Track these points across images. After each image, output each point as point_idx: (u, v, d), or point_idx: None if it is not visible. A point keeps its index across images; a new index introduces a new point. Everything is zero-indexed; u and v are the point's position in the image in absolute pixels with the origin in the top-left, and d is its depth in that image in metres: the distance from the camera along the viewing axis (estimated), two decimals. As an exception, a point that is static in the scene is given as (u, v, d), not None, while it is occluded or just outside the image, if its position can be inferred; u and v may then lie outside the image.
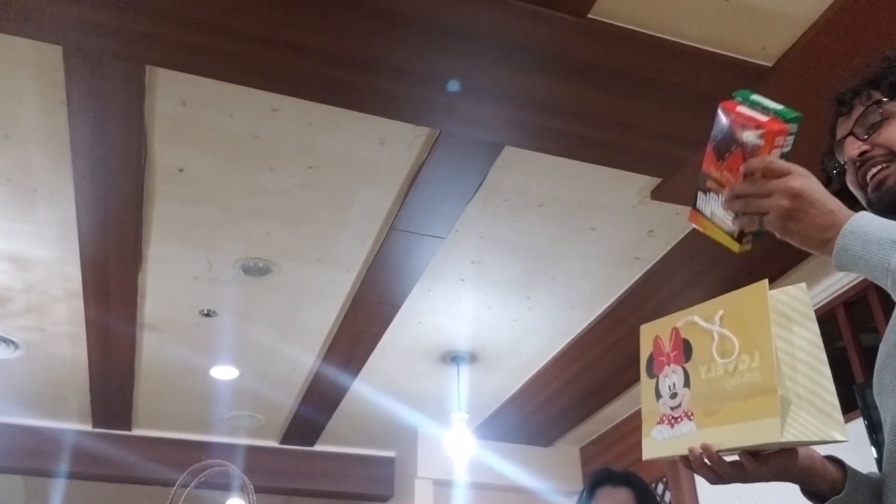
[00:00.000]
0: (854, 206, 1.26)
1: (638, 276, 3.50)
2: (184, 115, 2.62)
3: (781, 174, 1.01)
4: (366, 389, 4.55)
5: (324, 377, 4.35)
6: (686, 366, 1.05)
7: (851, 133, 1.24)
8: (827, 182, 1.33)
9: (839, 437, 0.97)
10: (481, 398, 4.69)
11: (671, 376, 1.07)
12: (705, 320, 1.04)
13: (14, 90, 2.51)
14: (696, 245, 3.20)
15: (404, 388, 4.61)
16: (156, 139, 2.72)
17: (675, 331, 1.08)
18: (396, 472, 5.49)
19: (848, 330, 3.30)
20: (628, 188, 2.96)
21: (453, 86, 2.37)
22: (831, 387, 0.99)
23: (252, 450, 5.25)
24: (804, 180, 1.01)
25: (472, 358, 4.26)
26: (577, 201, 3.04)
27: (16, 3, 2.08)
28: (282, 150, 2.78)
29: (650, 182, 2.90)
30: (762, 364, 0.96)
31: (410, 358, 4.27)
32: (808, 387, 0.98)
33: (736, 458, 1.03)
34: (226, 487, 4.47)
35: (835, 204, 1.01)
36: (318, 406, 4.75)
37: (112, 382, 4.42)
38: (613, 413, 4.79)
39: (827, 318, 3.34)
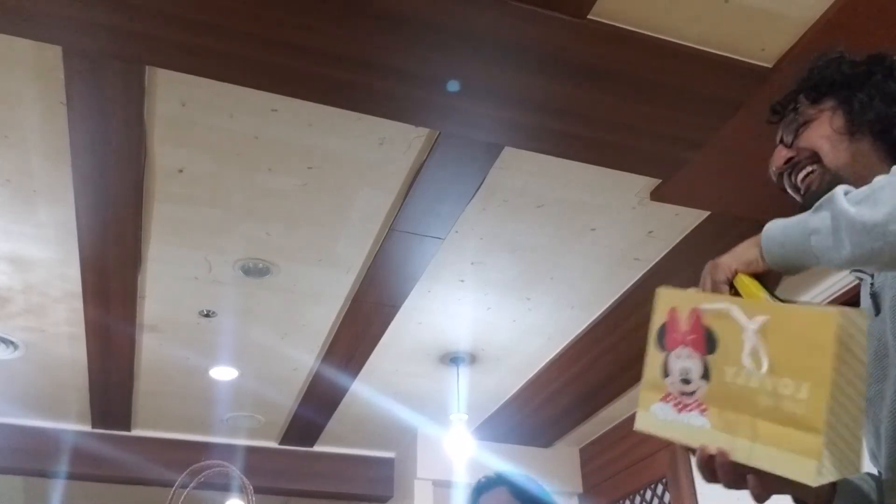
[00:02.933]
0: None
1: (638, 277, 3.50)
2: (183, 115, 2.62)
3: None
4: (365, 390, 4.55)
5: (323, 378, 4.35)
6: (707, 357, 0.99)
7: (781, 142, 1.29)
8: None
9: (858, 470, 0.93)
10: (481, 399, 4.69)
11: (685, 360, 1.02)
12: (746, 315, 0.97)
13: (13, 91, 2.51)
14: (695, 246, 3.20)
15: (404, 388, 4.61)
16: (155, 140, 2.72)
17: (697, 313, 1.02)
18: (396, 473, 5.49)
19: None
20: (628, 189, 2.96)
21: (453, 86, 2.37)
22: (862, 420, 0.93)
23: (251, 450, 5.25)
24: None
25: (472, 359, 4.27)
26: (577, 202, 3.05)
27: (15, 3, 2.08)
28: (281, 151, 2.78)
29: (650, 183, 2.91)
30: (811, 400, 0.89)
31: (410, 359, 4.28)
32: (844, 423, 0.91)
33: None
34: (225, 488, 4.47)
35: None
36: (317, 407, 4.75)
37: (111, 383, 4.42)
38: (613, 414, 4.79)
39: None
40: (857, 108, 1.22)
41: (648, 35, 2.26)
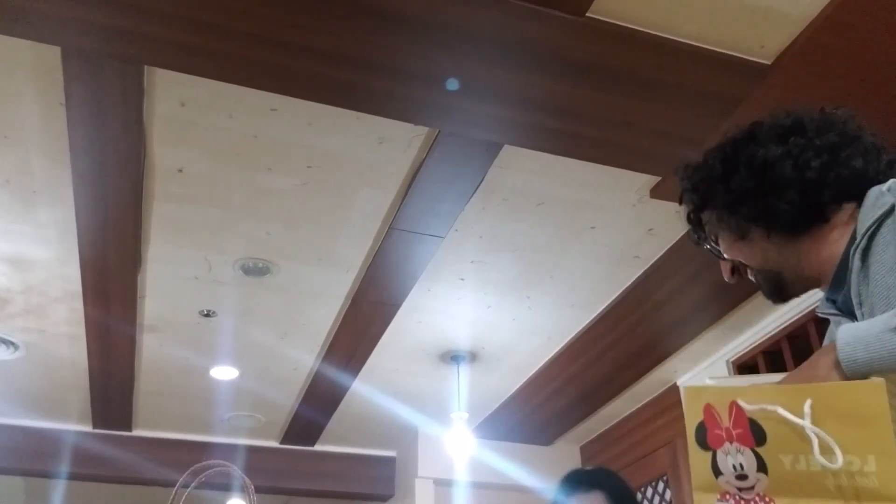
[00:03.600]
0: None
1: (638, 275, 3.50)
2: (183, 115, 2.62)
3: None
4: (366, 389, 4.55)
5: (324, 377, 4.35)
6: (759, 450, 0.96)
7: (715, 255, 1.32)
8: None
9: None
10: (481, 397, 4.69)
11: (736, 456, 0.98)
12: (791, 411, 0.94)
13: (13, 91, 2.51)
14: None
15: (404, 387, 4.61)
16: (155, 140, 2.72)
17: (737, 408, 0.98)
18: (397, 472, 5.49)
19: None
20: (628, 187, 2.96)
21: (452, 85, 2.37)
22: None
23: (252, 450, 5.25)
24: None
25: (472, 357, 4.27)
26: (577, 200, 3.04)
27: (14, 4, 2.08)
28: (281, 151, 2.78)
29: (649, 181, 2.90)
30: (881, 470, 0.88)
31: (410, 357, 4.28)
32: None
33: None
34: (226, 488, 4.46)
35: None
36: (318, 406, 4.75)
37: (112, 383, 4.42)
38: (613, 411, 4.79)
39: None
40: (726, 219, 1.25)
41: (648, 32, 2.26)
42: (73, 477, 4.98)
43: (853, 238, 1.13)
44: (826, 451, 0.91)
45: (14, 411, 4.78)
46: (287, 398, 4.72)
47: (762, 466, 0.95)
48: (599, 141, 2.62)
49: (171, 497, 2.47)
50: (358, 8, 2.12)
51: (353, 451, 5.49)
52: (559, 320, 3.90)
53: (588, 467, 2.28)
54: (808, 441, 0.92)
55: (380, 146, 2.76)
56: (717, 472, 1.00)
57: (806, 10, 2.20)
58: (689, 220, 1.34)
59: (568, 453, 5.33)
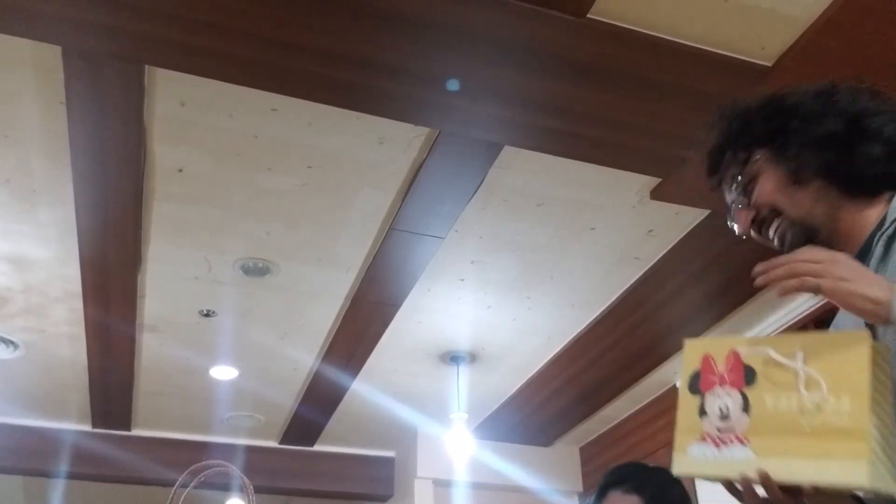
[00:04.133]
0: None
1: (638, 276, 3.50)
2: (183, 115, 2.62)
3: (826, 254, 1.03)
4: (365, 389, 4.55)
5: (323, 377, 4.35)
6: (746, 391, 1.03)
7: (734, 204, 1.27)
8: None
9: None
10: (481, 398, 4.69)
11: (723, 397, 1.05)
12: (782, 354, 1.02)
13: (13, 91, 2.51)
14: (695, 245, 3.20)
15: (404, 387, 4.61)
16: (155, 139, 2.72)
17: (735, 354, 1.06)
18: (396, 472, 5.49)
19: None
20: (628, 188, 2.96)
21: (452, 85, 2.37)
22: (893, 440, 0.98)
23: (252, 450, 5.25)
24: (845, 255, 1.03)
25: (472, 358, 4.27)
26: (577, 201, 3.04)
27: (15, 4, 2.08)
28: (281, 151, 2.78)
29: (650, 182, 2.90)
30: (854, 410, 0.95)
31: (410, 358, 4.27)
32: (884, 436, 0.96)
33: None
34: (225, 488, 4.47)
35: (880, 276, 1.01)
36: (317, 406, 4.75)
37: (112, 383, 4.42)
38: (613, 413, 4.79)
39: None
40: (792, 161, 1.21)
41: (648, 34, 2.25)
42: (73, 476, 4.98)
43: (881, 223, 1.14)
44: (811, 386, 0.98)
45: (14, 411, 4.78)
46: (287, 398, 4.72)
47: (746, 407, 1.03)
48: (600, 142, 2.62)
49: (171, 497, 2.47)
50: (358, 8, 2.12)
51: (353, 452, 5.48)
52: (559, 321, 3.90)
53: (632, 468, 2.13)
54: (794, 380, 1.00)
55: (380, 146, 2.76)
56: (702, 413, 1.06)
57: (807, 12, 2.20)
58: (730, 152, 1.28)
59: (567, 454, 5.33)
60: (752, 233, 1.25)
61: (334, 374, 4.31)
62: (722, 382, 1.06)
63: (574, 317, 3.86)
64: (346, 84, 2.37)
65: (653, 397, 4.56)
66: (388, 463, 5.53)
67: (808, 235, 1.19)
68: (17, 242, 3.25)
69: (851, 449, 0.93)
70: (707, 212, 3.05)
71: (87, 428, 5.02)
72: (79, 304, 3.62)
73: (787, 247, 1.20)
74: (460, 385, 4.38)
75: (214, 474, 2.61)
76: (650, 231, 3.20)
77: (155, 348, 4.12)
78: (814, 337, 1.02)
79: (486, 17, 2.16)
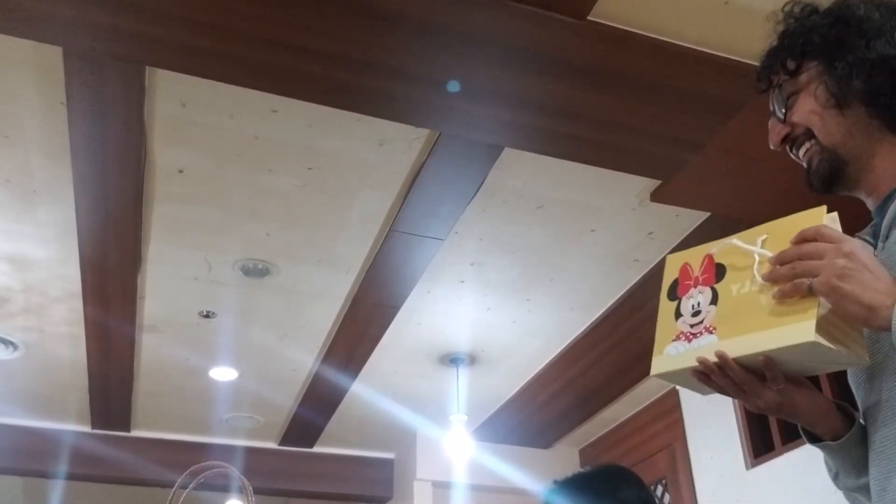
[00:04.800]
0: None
1: (637, 278, 3.50)
2: (183, 116, 2.62)
3: (834, 240, 0.96)
4: (365, 391, 4.54)
5: (323, 378, 4.35)
6: (716, 286, 1.06)
7: (774, 114, 1.20)
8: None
9: (865, 357, 0.99)
10: (480, 400, 4.69)
11: (696, 296, 1.08)
12: (746, 242, 1.04)
13: (14, 91, 2.51)
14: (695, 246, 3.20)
15: (403, 389, 4.61)
16: (155, 140, 2.72)
17: (709, 256, 1.09)
18: (395, 474, 5.49)
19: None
20: (628, 190, 2.96)
21: (453, 87, 2.37)
22: None
23: (251, 451, 5.25)
24: (856, 244, 0.96)
25: (472, 359, 4.26)
26: (577, 203, 3.05)
27: (16, 4, 2.08)
28: (281, 152, 2.78)
29: (650, 184, 2.91)
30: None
31: (410, 359, 4.27)
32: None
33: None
34: (225, 489, 4.46)
35: (887, 273, 0.95)
36: (317, 407, 4.75)
37: (111, 383, 4.42)
38: (613, 415, 4.79)
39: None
40: (839, 79, 1.11)
41: (648, 36, 2.26)
42: (72, 477, 4.98)
43: None
44: (765, 265, 1.01)
45: (13, 411, 4.78)
46: (286, 399, 4.72)
47: (714, 300, 1.06)
48: (600, 144, 2.62)
49: (170, 497, 2.47)
50: (359, 9, 2.12)
51: (352, 453, 5.48)
52: (559, 323, 3.90)
53: (587, 469, 2.09)
54: (752, 264, 1.03)
55: (380, 148, 2.76)
56: (678, 316, 1.09)
57: (807, 15, 2.20)
58: (782, 56, 1.18)
59: (567, 456, 5.32)
60: (785, 149, 1.19)
61: (334, 375, 4.31)
62: (696, 284, 1.09)
63: (574, 319, 3.86)
64: (347, 85, 2.38)
65: (652, 399, 4.56)
66: (387, 464, 5.53)
67: (835, 167, 1.12)
68: (17, 242, 3.25)
69: (802, 312, 0.95)
70: (707, 214, 3.06)
71: (87, 429, 5.02)
72: (78, 304, 3.62)
73: (813, 174, 1.15)
74: (460, 387, 4.38)
75: (214, 475, 2.61)
76: (650, 233, 3.21)
77: (155, 349, 4.12)
78: (778, 222, 1.03)
79: (486, 19, 2.16)
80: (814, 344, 0.94)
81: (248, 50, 2.24)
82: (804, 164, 1.17)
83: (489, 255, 3.37)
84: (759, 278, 1.00)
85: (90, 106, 2.48)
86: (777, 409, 1.05)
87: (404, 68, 2.31)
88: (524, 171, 2.88)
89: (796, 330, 0.95)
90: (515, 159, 2.80)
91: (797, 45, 1.16)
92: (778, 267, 0.98)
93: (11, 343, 4.03)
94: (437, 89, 2.37)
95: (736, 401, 2.60)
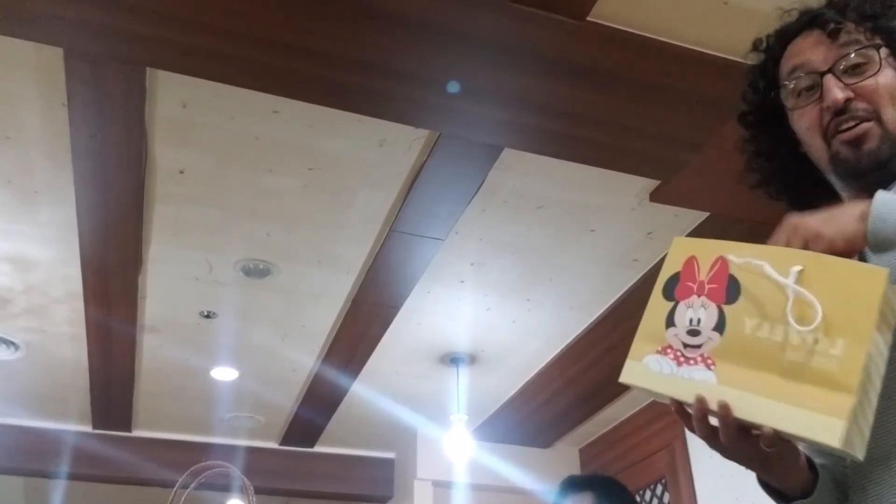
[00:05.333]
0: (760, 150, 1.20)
1: (637, 278, 3.51)
2: (184, 117, 2.62)
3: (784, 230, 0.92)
4: (365, 391, 4.55)
5: (323, 378, 4.35)
6: (725, 307, 0.90)
7: (831, 71, 1.07)
8: (752, 101, 1.23)
9: (860, 455, 0.83)
10: (481, 399, 4.69)
11: (698, 310, 0.92)
12: (777, 270, 0.87)
13: (14, 92, 2.52)
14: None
15: (404, 389, 4.62)
16: (156, 141, 2.73)
17: (723, 262, 0.92)
18: (396, 474, 5.49)
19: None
20: (627, 190, 2.97)
21: (453, 88, 2.38)
22: (876, 401, 0.84)
23: (252, 451, 5.25)
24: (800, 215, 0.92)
25: (472, 359, 4.27)
26: (577, 203, 3.05)
27: (16, 5, 2.09)
28: (282, 152, 2.78)
29: (649, 184, 2.91)
30: (846, 357, 0.81)
31: (410, 359, 4.28)
32: (868, 394, 0.83)
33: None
34: (226, 488, 4.47)
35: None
36: (317, 407, 4.75)
37: (112, 383, 4.43)
38: (613, 414, 4.80)
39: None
40: None
41: (648, 37, 2.26)
42: (73, 477, 4.98)
43: None
44: (802, 314, 0.84)
45: (14, 411, 4.78)
46: (287, 399, 4.73)
47: (720, 326, 0.90)
48: (599, 144, 2.63)
49: (171, 497, 2.48)
50: (359, 10, 2.13)
51: (353, 453, 5.49)
52: (559, 323, 3.90)
53: (583, 473, 2.45)
54: (783, 303, 0.85)
55: (380, 148, 2.77)
56: (670, 323, 0.94)
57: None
58: (857, 19, 1.09)
59: (567, 456, 5.33)
60: (829, 110, 1.07)
61: (334, 375, 4.31)
62: (700, 292, 0.93)
63: (574, 318, 3.86)
64: (347, 86, 2.38)
65: (652, 399, 4.55)
66: (387, 464, 5.54)
67: (893, 153, 1.05)
68: (18, 243, 3.26)
69: (831, 402, 0.80)
70: (706, 214, 3.06)
71: (88, 429, 5.02)
72: (80, 304, 3.63)
73: (867, 152, 1.05)
74: (460, 386, 4.38)
75: (215, 475, 2.62)
76: (649, 233, 3.21)
77: (155, 349, 4.12)
78: (820, 258, 0.87)
79: (486, 20, 2.17)
80: (833, 449, 0.80)
81: (248, 51, 2.25)
82: (841, 134, 1.06)
83: (489, 255, 3.38)
84: (793, 331, 0.84)
85: (91, 107, 2.49)
86: (750, 463, 0.94)
87: (404, 69, 2.32)
88: (524, 171, 2.88)
89: (821, 424, 0.80)
90: (515, 159, 2.81)
91: (882, 17, 1.09)
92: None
93: (13, 343, 4.04)
94: (437, 90, 2.38)
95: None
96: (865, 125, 1.05)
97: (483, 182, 2.89)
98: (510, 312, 3.83)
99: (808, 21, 1.14)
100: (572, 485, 2.35)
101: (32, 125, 2.64)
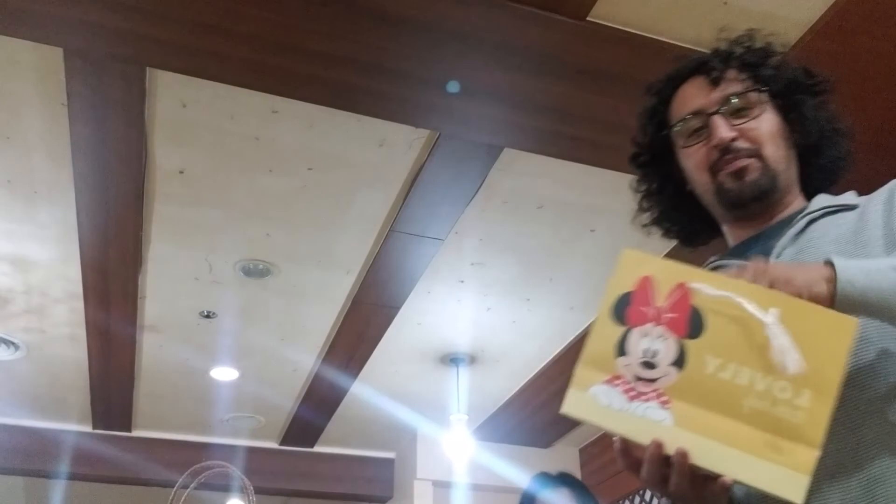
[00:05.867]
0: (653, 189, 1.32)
1: (637, 278, 3.50)
2: (184, 116, 2.62)
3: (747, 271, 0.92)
4: (365, 391, 4.55)
5: (323, 378, 4.35)
6: (686, 342, 0.83)
7: (718, 112, 1.17)
8: (643, 142, 1.33)
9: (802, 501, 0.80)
10: (481, 399, 4.69)
11: (654, 341, 0.85)
12: (755, 306, 0.82)
13: (15, 92, 2.52)
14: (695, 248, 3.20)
15: (404, 389, 4.61)
16: (156, 141, 2.73)
17: (685, 290, 0.85)
18: (396, 474, 5.49)
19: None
20: (627, 190, 2.96)
21: (453, 88, 2.38)
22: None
23: (252, 451, 5.25)
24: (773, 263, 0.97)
25: (472, 359, 4.27)
26: (577, 203, 3.05)
27: (17, 5, 2.09)
28: (282, 152, 2.78)
29: (649, 184, 2.91)
30: (812, 410, 0.78)
31: (410, 359, 4.28)
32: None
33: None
34: (226, 488, 4.47)
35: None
36: (317, 407, 4.75)
37: (112, 383, 4.43)
38: (613, 414, 4.79)
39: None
40: (801, 123, 1.19)
41: (647, 36, 2.26)
42: (73, 477, 4.98)
43: (804, 207, 1.15)
44: (769, 364, 0.80)
45: (14, 411, 4.78)
46: (287, 399, 4.73)
47: (680, 361, 0.83)
48: (600, 144, 2.63)
49: (171, 497, 2.48)
50: (359, 11, 2.13)
51: (352, 453, 5.49)
52: (559, 323, 3.90)
53: (552, 472, 2.50)
54: (754, 347, 0.81)
55: (380, 148, 2.77)
56: (621, 351, 0.86)
57: (805, 16, 2.21)
58: (742, 68, 1.22)
59: (567, 456, 5.32)
60: (716, 149, 1.16)
61: (334, 375, 4.31)
62: (657, 320, 0.85)
63: (574, 319, 3.86)
64: (347, 86, 2.38)
65: (652, 399, 4.56)
66: (387, 464, 5.54)
67: (774, 186, 1.15)
68: (18, 243, 3.26)
69: (795, 457, 0.77)
70: (706, 214, 3.06)
71: (88, 429, 5.02)
72: (79, 304, 3.63)
73: (749, 184, 1.14)
74: (460, 387, 4.38)
75: (215, 475, 2.62)
76: (650, 234, 3.21)
77: (155, 349, 4.12)
78: (794, 301, 0.83)
79: (486, 20, 2.17)
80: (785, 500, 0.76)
81: (248, 51, 2.25)
82: (732, 170, 1.15)
83: (489, 256, 3.38)
84: (761, 377, 0.79)
85: (91, 107, 2.49)
86: (683, 500, 0.90)
87: (404, 69, 2.32)
88: (524, 172, 2.88)
89: (783, 478, 0.77)
90: (515, 160, 2.81)
91: (773, 77, 1.21)
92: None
93: (13, 343, 4.04)
94: (437, 89, 2.38)
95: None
96: (748, 160, 1.15)
97: (483, 182, 2.89)
98: (510, 312, 3.83)
99: (695, 67, 1.26)
100: (549, 480, 2.42)
101: (32, 125, 2.64)
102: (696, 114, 1.20)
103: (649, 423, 0.82)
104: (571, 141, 2.62)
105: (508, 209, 3.08)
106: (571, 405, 0.89)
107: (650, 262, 0.89)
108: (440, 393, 4.58)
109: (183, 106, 2.58)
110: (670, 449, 0.81)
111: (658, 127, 1.29)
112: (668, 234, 1.39)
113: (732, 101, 1.17)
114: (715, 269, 1.21)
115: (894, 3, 2.12)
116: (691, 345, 0.83)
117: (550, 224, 3.17)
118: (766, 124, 1.17)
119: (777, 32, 2.13)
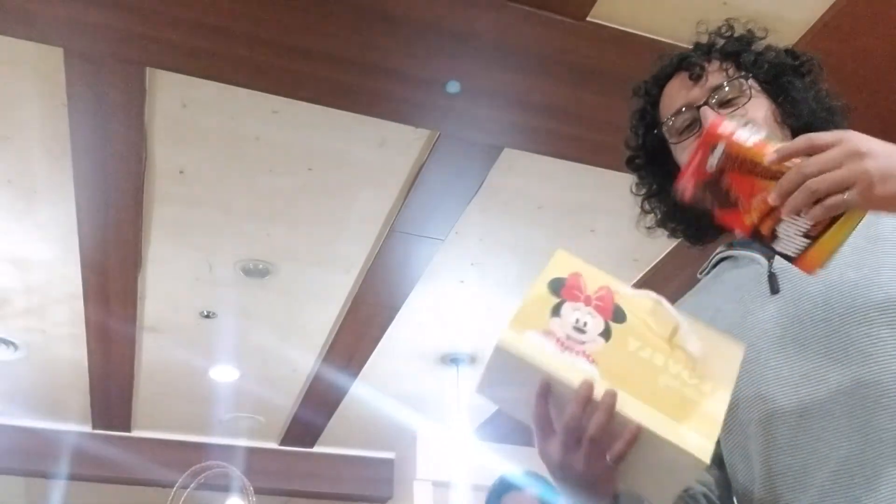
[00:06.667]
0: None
1: (637, 278, 3.51)
2: (184, 116, 2.62)
3: (832, 143, 0.83)
4: (365, 391, 4.55)
5: (323, 379, 4.35)
6: (611, 323, 0.93)
7: (707, 104, 1.15)
8: (635, 145, 1.33)
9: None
10: (481, 399, 4.68)
11: (585, 315, 0.93)
12: (666, 314, 0.95)
13: (15, 92, 2.52)
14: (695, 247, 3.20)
15: (404, 389, 4.61)
16: (156, 141, 2.73)
17: (609, 290, 0.97)
18: (395, 474, 5.49)
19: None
20: (627, 190, 2.96)
21: (453, 88, 2.38)
22: None
23: (252, 451, 5.25)
24: (862, 136, 0.84)
25: (472, 359, 4.27)
26: (577, 203, 3.05)
27: (17, 5, 2.09)
28: (282, 152, 2.78)
29: (649, 184, 2.91)
30: (713, 395, 0.89)
31: (410, 359, 4.28)
32: None
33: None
34: (225, 489, 4.47)
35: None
36: (317, 407, 4.75)
37: (112, 384, 4.42)
38: (613, 414, 4.79)
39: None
40: (791, 105, 1.18)
41: (647, 36, 2.26)
42: (73, 477, 4.98)
43: None
44: (679, 357, 0.91)
45: (14, 411, 4.78)
46: (286, 399, 4.72)
47: (606, 334, 0.92)
48: (600, 144, 2.63)
49: (171, 498, 2.48)
50: (360, 11, 2.13)
51: (352, 453, 5.48)
52: (559, 323, 3.90)
53: (514, 474, 2.45)
54: (667, 336, 0.92)
55: (381, 148, 2.77)
56: (554, 314, 0.94)
57: (805, 16, 2.21)
58: (705, 56, 1.22)
59: (567, 456, 5.32)
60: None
61: (334, 375, 4.31)
62: (588, 303, 0.95)
63: (574, 319, 3.86)
64: (347, 86, 2.38)
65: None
66: (387, 464, 5.53)
67: None
68: (18, 243, 3.26)
69: (703, 426, 0.86)
70: (706, 214, 3.06)
71: (88, 429, 5.02)
72: (79, 304, 3.63)
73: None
74: (460, 387, 4.38)
75: (214, 475, 2.62)
76: (654, 235, 3.21)
77: (155, 349, 4.12)
78: (694, 323, 0.95)
79: (486, 20, 2.17)
80: (698, 464, 0.83)
81: (248, 51, 2.25)
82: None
83: (489, 255, 3.38)
84: (673, 361, 0.89)
85: (91, 107, 2.49)
86: (576, 481, 0.96)
87: (405, 69, 2.32)
88: (524, 172, 2.88)
89: (695, 440, 0.84)
90: (515, 160, 2.81)
91: (751, 57, 1.21)
92: (789, 193, 0.84)
93: (13, 343, 4.04)
94: (437, 90, 2.38)
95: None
96: None
97: (483, 182, 2.89)
98: (510, 312, 3.82)
99: (678, 63, 1.26)
100: (511, 484, 2.38)
101: (32, 125, 2.64)
102: (686, 108, 1.19)
103: (578, 370, 0.88)
104: (571, 141, 2.62)
105: (508, 209, 3.08)
106: (507, 342, 0.92)
107: (581, 264, 1.01)
108: (440, 393, 4.58)
109: (183, 106, 2.58)
110: (599, 388, 0.86)
111: (649, 128, 1.29)
112: (674, 233, 1.38)
113: (719, 91, 1.16)
114: (723, 259, 1.25)
115: (894, 3, 2.12)
116: (616, 327, 0.93)
117: (550, 224, 3.17)
118: (756, 111, 1.15)
119: (777, 32, 2.14)
